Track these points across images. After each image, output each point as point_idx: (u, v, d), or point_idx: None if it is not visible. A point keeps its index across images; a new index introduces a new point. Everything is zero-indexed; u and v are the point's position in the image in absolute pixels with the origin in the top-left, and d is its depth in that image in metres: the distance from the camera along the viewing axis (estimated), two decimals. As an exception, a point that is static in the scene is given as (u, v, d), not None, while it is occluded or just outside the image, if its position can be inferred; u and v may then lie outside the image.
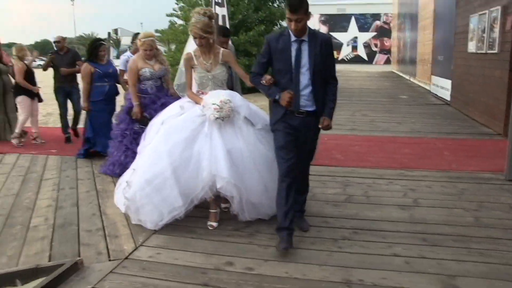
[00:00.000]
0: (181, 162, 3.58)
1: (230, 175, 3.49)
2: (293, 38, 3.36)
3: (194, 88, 3.95)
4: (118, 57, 24.93)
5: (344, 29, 37.80)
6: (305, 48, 3.36)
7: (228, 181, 3.48)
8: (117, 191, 4.19)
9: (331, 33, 31.18)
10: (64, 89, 7.24)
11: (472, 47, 9.17)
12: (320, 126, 3.42)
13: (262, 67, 3.54)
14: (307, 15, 3.29)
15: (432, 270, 2.97)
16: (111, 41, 57.57)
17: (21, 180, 5.32)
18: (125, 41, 56.14)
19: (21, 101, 7.14)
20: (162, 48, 8.83)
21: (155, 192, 3.59)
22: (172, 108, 4.00)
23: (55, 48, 7.44)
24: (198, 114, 3.71)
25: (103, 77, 6.07)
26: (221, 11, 7.56)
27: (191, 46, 4.18)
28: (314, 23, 33.10)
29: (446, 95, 11.62)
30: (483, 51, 8.36)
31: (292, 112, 3.37)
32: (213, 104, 3.55)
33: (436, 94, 13.07)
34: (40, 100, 7.52)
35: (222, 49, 3.96)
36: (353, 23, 38.38)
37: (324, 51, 3.38)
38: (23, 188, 5.04)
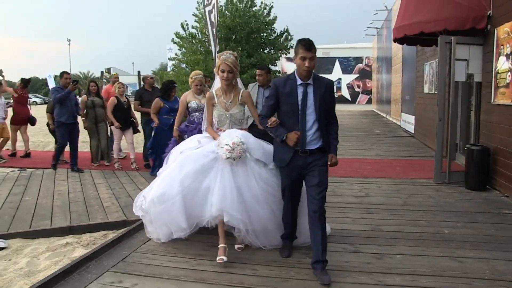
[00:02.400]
0: (190, 192, 3.89)
1: (237, 211, 3.76)
2: (299, 81, 3.62)
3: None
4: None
5: (329, 71, 40.06)
6: (310, 91, 3.61)
7: (235, 216, 3.77)
8: (136, 199, 4.49)
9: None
10: (150, 122, 7.83)
11: (426, 88, 11.35)
12: (329, 163, 3.69)
13: (270, 110, 3.78)
14: (316, 56, 3.61)
15: (366, 224, 4.89)
16: (104, 79, 59.66)
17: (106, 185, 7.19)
18: (119, 79, 57.94)
19: (114, 130, 8.66)
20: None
21: (166, 212, 3.99)
22: (191, 141, 4.38)
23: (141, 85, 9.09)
24: (212, 150, 3.97)
25: (169, 111, 7.21)
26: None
27: (215, 85, 4.43)
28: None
29: (411, 128, 13.77)
30: (433, 92, 10.52)
31: (297, 152, 3.64)
32: (226, 145, 3.78)
33: (404, 129, 15.20)
34: (135, 131, 8.81)
35: (243, 90, 4.27)
36: (337, 66, 40.57)
37: (328, 93, 3.66)
38: (100, 189, 6.92)
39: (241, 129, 4.17)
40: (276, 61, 16.80)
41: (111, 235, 4.82)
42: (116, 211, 5.70)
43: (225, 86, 4.15)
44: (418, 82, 12.65)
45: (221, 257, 3.76)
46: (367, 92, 39.41)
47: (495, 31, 6.34)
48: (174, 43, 16.86)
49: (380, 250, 4.11)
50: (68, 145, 8.67)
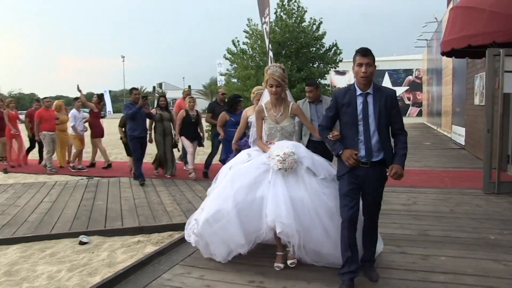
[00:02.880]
0: (245, 206, 3.84)
1: (290, 221, 3.69)
2: (358, 92, 3.56)
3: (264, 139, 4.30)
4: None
5: (378, 84, 39.61)
6: (370, 100, 3.54)
7: (288, 226, 3.69)
8: (187, 227, 4.47)
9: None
10: (218, 134, 8.16)
11: (476, 100, 11.33)
12: (388, 174, 3.60)
13: (330, 121, 3.74)
14: (375, 65, 3.53)
15: (412, 229, 5.15)
16: (156, 94, 61.61)
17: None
18: (170, 94, 60.17)
19: (185, 142, 9.10)
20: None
21: (222, 230, 3.93)
22: (241, 155, 4.35)
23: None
24: (263, 162, 3.98)
25: (235, 124, 7.08)
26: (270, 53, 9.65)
27: (264, 99, 4.48)
28: (351, 78, 35.63)
29: (462, 140, 13.68)
30: (483, 104, 10.50)
31: (358, 162, 3.56)
32: (277, 155, 3.80)
33: (455, 141, 15.08)
34: (200, 145, 9.35)
35: (292, 103, 4.31)
36: (386, 78, 40.24)
37: (389, 104, 3.54)
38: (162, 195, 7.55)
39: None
40: (326, 75, 17.16)
41: (177, 235, 5.32)
42: (179, 215, 6.23)
43: (274, 100, 4.19)
44: (469, 94, 12.61)
45: (278, 265, 3.92)
46: (418, 104, 38.82)
47: (544, 43, 6.45)
48: (226, 59, 17.58)
49: (426, 252, 4.36)
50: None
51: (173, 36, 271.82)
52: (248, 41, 17.29)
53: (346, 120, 3.60)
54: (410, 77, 40.08)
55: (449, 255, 4.26)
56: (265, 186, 3.87)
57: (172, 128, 9.49)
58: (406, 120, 20.57)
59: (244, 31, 17.39)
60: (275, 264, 3.91)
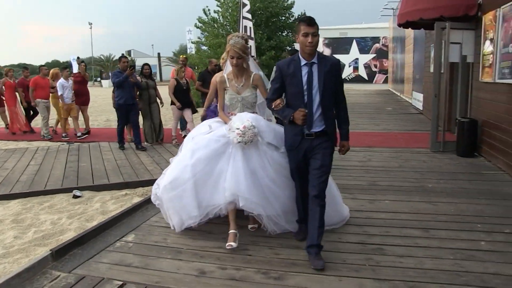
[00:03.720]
0: (201, 177, 3.87)
1: (252, 194, 3.70)
2: (303, 62, 3.53)
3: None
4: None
5: (346, 51, 40.52)
6: (315, 70, 3.51)
7: (249, 200, 3.70)
8: (152, 189, 4.46)
9: (334, 55, 34.40)
10: None
11: (432, 68, 12.22)
12: (340, 153, 3.80)
13: (276, 93, 3.70)
14: (319, 33, 3.50)
15: (364, 180, 5.99)
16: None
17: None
18: (139, 62, 59.47)
19: (173, 109, 9.48)
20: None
21: (177, 198, 3.97)
22: (202, 126, 4.34)
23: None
24: (223, 134, 3.95)
25: None
26: (248, 24, 9.44)
27: (227, 69, 4.46)
28: (318, 45, 36.26)
29: (420, 106, 14.67)
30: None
31: (302, 135, 3.56)
32: (237, 129, 3.75)
33: (415, 106, 16.09)
34: (194, 111, 9.65)
35: (254, 73, 4.22)
36: (354, 46, 40.95)
37: (334, 72, 3.54)
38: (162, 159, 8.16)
39: (253, 112, 4.16)
40: (294, 44, 17.78)
41: (159, 189, 6.02)
42: (159, 172, 6.84)
43: (236, 70, 4.13)
44: (426, 62, 13.51)
45: (231, 243, 3.75)
46: (384, 71, 39.76)
47: (483, 17, 7.27)
48: (197, 27, 17.93)
49: (372, 197, 5.22)
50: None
51: (141, 2, 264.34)
52: (220, 10, 17.65)
53: (292, 90, 3.59)
54: (377, 45, 40.84)
55: (391, 200, 5.13)
56: (224, 160, 3.88)
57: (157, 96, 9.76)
58: (372, 87, 21.53)
59: (215, -1, 17.72)
60: (227, 244, 3.76)
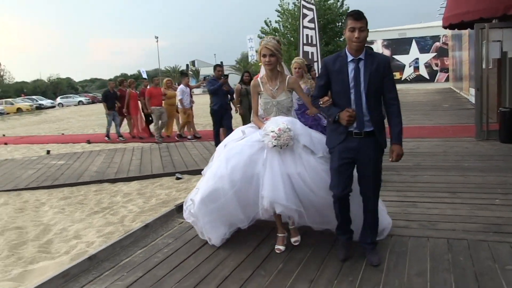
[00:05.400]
0: (242, 186, 3.73)
1: (289, 201, 3.58)
2: (350, 58, 3.38)
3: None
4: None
5: (406, 51, 40.46)
6: (361, 67, 3.35)
7: (289, 207, 3.59)
8: (184, 207, 4.37)
9: (394, 56, 34.88)
10: None
11: (484, 65, 12.92)
12: (390, 160, 3.55)
13: (321, 90, 3.57)
14: (367, 29, 3.34)
15: (410, 162, 7.13)
16: (191, 72, 63.33)
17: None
18: (203, 71, 62.18)
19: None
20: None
21: (219, 210, 3.87)
22: (236, 133, 4.17)
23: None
24: (257, 139, 3.81)
25: None
26: (310, 32, 10.47)
27: (261, 73, 4.32)
28: (377, 47, 36.57)
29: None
30: (490, 67, 12.14)
31: (350, 134, 3.41)
32: (272, 131, 3.60)
33: (471, 102, 16.62)
34: None
35: (289, 76, 4.04)
36: (414, 46, 40.83)
37: (381, 71, 3.36)
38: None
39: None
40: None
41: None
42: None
43: (269, 72, 3.97)
44: (479, 58, 14.14)
45: (279, 247, 3.84)
46: (445, 70, 39.32)
47: (519, 17, 8.16)
48: (260, 38, 19.57)
49: (415, 174, 6.37)
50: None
51: (202, 13, 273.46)
52: (280, 20, 19.17)
53: (337, 88, 3.46)
54: (437, 43, 40.52)
55: (430, 175, 6.27)
56: (260, 165, 3.72)
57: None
58: (434, 86, 22.43)
59: (276, 10, 19.26)
60: (276, 247, 3.88)
